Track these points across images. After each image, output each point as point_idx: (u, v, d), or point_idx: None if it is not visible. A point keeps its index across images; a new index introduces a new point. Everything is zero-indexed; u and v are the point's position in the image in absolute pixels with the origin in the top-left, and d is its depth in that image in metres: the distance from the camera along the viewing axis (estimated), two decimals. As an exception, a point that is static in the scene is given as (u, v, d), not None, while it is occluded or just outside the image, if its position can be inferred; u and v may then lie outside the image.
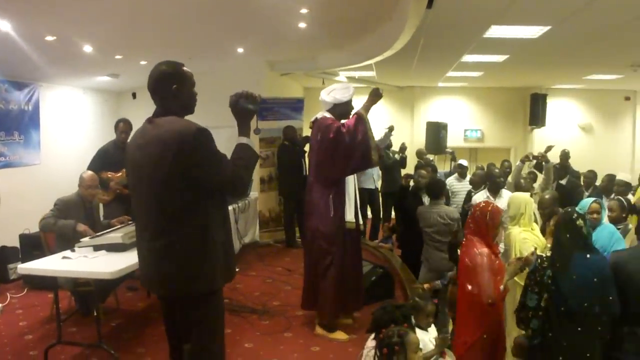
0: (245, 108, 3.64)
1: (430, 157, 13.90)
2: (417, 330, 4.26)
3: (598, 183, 9.86)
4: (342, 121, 6.28)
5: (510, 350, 4.86)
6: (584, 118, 17.55)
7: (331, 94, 6.37)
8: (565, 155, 11.46)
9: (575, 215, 4.36)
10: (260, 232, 11.23)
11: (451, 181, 10.35)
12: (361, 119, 6.23)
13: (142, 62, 9.18)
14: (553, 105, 16.70)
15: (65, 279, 5.82)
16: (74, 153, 10.30)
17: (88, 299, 6.32)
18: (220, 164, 3.49)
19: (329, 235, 6.31)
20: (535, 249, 4.57)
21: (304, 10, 7.42)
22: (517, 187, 7.89)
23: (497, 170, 8.87)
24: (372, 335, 4.16)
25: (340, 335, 6.38)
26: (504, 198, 7.47)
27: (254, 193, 10.48)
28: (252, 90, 3.67)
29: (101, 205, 7.56)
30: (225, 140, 3.57)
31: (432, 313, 4.72)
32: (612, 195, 8.08)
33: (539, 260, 4.42)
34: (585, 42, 8.97)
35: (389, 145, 11.91)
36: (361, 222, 7.09)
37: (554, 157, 10.14)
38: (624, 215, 6.40)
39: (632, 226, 6.23)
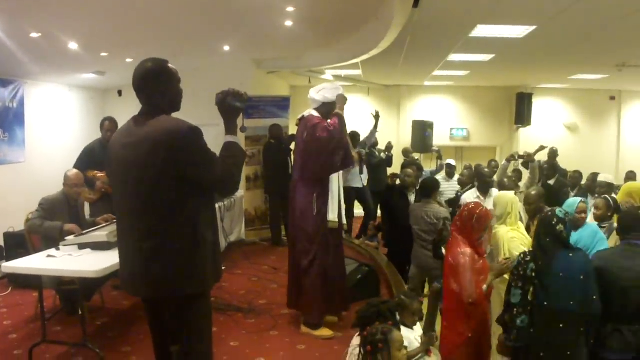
0: (232, 106, 3.62)
1: (416, 155, 13.92)
2: (403, 328, 4.27)
3: (584, 182, 9.91)
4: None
5: (495, 348, 4.88)
6: (570, 117, 17.62)
7: (321, 92, 6.40)
8: (553, 154, 11.48)
9: (555, 220, 4.39)
10: (246, 231, 11.22)
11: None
12: (343, 119, 6.31)
13: (128, 60, 9.14)
14: (539, 104, 16.74)
15: (50, 277, 5.79)
16: (59, 151, 10.25)
17: (73, 298, 6.28)
18: (212, 162, 3.47)
19: (311, 233, 6.34)
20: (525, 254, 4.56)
21: (290, 9, 7.41)
22: (500, 187, 7.93)
23: (486, 170, 8.91)
24: (357, 333, 4.16)
25: (325, 331, 6.39)
26: (493, 197, 7.50)
27: (239, 191, 10.45)
28: (239, 89, 3.66)
29: (87, 204, 7.53)
30: (213, 138, 3.55)
31: (418, 311, 4.73)
32: (596, 195, 8.12)
33: (522, 255, 4.44)
34: (571, 42, 9.01)
35: (375, 144, 11.94)
36: (344, 221, 7.10)
37: (542, 156, 10.18)
38: (609, 214, 6.42)
39: (616, 225, 6.24)
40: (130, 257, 3.56)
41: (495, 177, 9.06)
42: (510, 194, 6.23)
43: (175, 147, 3.32)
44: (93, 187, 7.44)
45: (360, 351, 3.80)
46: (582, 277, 4.18)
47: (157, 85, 3.49)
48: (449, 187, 10.24)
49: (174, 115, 3.57)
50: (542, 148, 9.61)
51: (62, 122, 11.11)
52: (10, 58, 7.86)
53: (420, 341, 4.42)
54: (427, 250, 7.14)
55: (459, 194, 9.09)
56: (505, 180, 8.22)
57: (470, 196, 8.18)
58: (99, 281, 6.01)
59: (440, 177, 10.60)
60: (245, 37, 9.33)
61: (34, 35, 7.21)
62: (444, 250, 5.71)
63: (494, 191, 7.93)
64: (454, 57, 10.88)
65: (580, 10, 6.78)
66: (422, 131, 14.47)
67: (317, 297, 6.38)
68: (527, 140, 15.92)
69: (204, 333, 3.71)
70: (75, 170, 6.82)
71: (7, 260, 6.70)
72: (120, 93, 11.97)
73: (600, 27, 7.77)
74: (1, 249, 8.49)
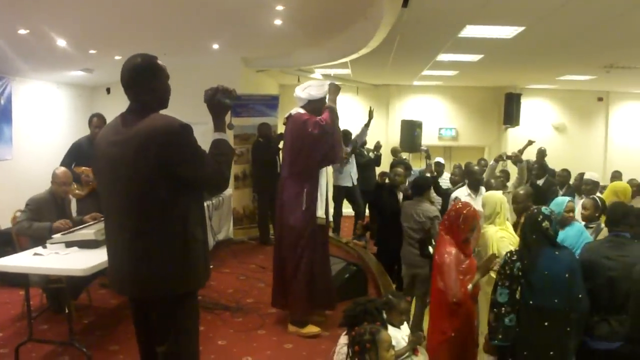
0: (222, 103, 3.60)
1: (405, 155, 13.94)
2: (390, 327, 4.26)
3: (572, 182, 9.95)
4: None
5: (482, 347, 4.90)
6: (558, 118, 17.70)
7: (306, 90, 6.41)
8: (541, 154, 11.51)
9: (541, 217, 4.42)
10: (234, 229, 11.19)
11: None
12: (335, 113, 6.32)
13: (117, 57, 9.09)
14: (527, 104, 16.81)
15: (37, 275, 5.75)
16: (47, 148, 10.20)
17: (60, 296, 6.24)
18: (203, 160, 3.45)
19: (299, 229, 6.35)
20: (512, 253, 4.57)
21: (279, 8, 7.41)
22: (487, 187, 7.94)
23: (476, 168, 8.94)
24: (345, 332, 4.16)
25: (312, 329, 6.40)
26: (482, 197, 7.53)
27: (228, 190, 10.43)
28: (227, 86, 3.65)
29: (74, 202, 7.49)
30: (201, 135, 3.53)
31: (405, 311, 4.74)
32: (580, 194, 8.17)
33: (508, 255, 4.46)
34: (559, 43, 9.05)
35: (364, 143, 11.95)
36: (331, 219, 7.11)
37: (530, 156, 10.21)
38: (597, 214, 6.45)
39: (604, 226, 6.27)
40: (119, 256, 3.52)
41: (483, 176, 9.09)
42: (498, 194, 6.25)
43: (166, 144, 3.29)
44: (80, 183, 7.41)
45: (347, 350, 3.80)
46: (567, 275, 4.22)
47: (146, 81, 3.45)
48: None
49: (162, 112, 3.53)
50: (530, 143, 9.64)
51: (50, 120, 11.07)
52: (-2, 55, 7.83)
53: (407, 340, 4.42)
54: (414, 249, 7.17)
55: (450, 191, 9.11)
56: (493, 180, 8.24)
57: (461, 193, 8.21)
58: (86, 279, 5.97)
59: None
60: (234, 35, 9.33)
61: (22, 31, 7.18)
62: (431, 249, 5.72)
63: (484, 190, 7.96)
64: (443, 57, 10.90)
65: (568, 12, 6.81)
66: (410, 131, 14.48)
67: (303, 294, 6.39)
68: (516, 140, 15.94)
69: (192, 332, 3.69)
70: (64, 169, 6.78)
71: (-6, 258, 6.66)
72: (108, 90, 11.91)
73: (588, 28, 7.80)
74: (-13, 247, 8.43)
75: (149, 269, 3.40)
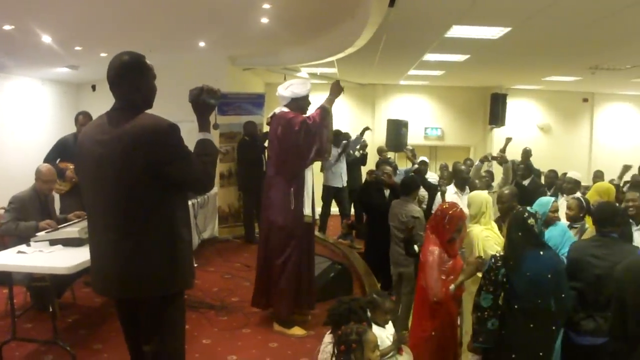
0: (207, 102, 3.59)
1: (390, 154, 13.96)
2: (375, 326, 4.27)
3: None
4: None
5: (466, 346, 4.92)
6: (543, 118, 17.78)
7: (289, 88, 6.40)
8: (526, 154, 11.55)
9: (527, 214, 4.45)
10: (219, 228, 11.19)
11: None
12: (327, 112, 6.33)
13: (102, 54, 9.07)
14: (513, 105, 16.87)
15: (21, 274, 5.70)
16: (32, 145, 10.13)
17: (44, 295, 6.20)
18: (190, 160, 3.43)
19: (289, 228, 6.34)
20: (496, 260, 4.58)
21: (266, 6, 7.40)
22: (471, 187, 7.98)
23: (463, 167, 8.98)
24: (329, 331, 4.17)
25: (298, 330, 6.40)
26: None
27: (213, 188, 10.41)
28: (213, 85, 3.63)
29: (57, 199, 7.46)
30: (187, 133, 3.52)
31: (390, 310, 4.75)
32: (562, 193, 8.22)
33: (493, 260, 4.47)
34: (545, 44, 9.08)
35: (365, 145, 11.99)
36: (317, 217, 7.11)
37: (515, 156, 10.25)
38: (581, 215, 6.49)
39: (588, 226, 6.31)
40: (104, 257, 3.48)
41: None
42: (484, 194, 6.28)
43: (155, 144, 3.28)
44: (63, 178, 7.38)
45: (333, 349, 3.80)
46: (549, 275, 4.24)
47: (132, 79, 3.42)
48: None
49: (147, 112, 3.50)
50: (508, 140, 9.73)
51: (34, 116, 11.00)
52: (-18, 51, 7.79)
53: (392, 339, 4.43)
54: (400, 248, 7.18)
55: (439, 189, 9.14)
56: (477, 181, 8.28)
57: (448, 192, 8.24)
58: (70, 278, 5.94)
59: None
60: (220, 33, 9.31)
61: (7, 27, 7.13)
62: (416, 248, 5.74)
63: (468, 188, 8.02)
64: (429, 56, 10.92)
65: (554, 13, 6.83)
66: (396, 130, 14.51)
67: (288, 293, 6.39)
68: (501, 140, 15.92)
69: (178, 331, 3.68)
70: (48, 166, 6.76)
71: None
72: (94, 88, 11.86)
73: (574, 30, 7.83)
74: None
75: (137, 269, 3.37)
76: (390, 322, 4.71)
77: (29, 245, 5.66)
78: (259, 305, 6.71)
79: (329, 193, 11.60)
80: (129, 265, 3.38)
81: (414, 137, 15.96)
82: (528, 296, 4.25)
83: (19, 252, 5.48)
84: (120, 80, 3.42)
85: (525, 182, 9.79)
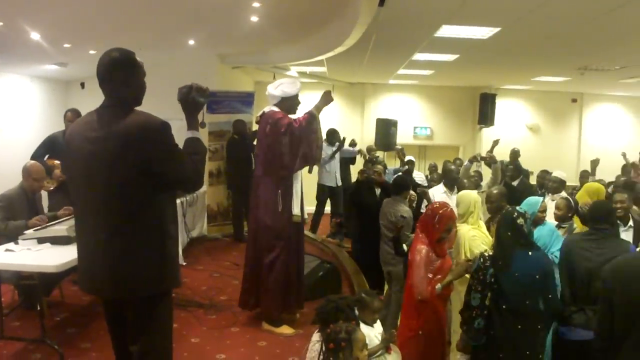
0: (196, 101, 3.58)
1: (379, 153, 13.98)
2: (363, 325, 4.28)
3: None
4: (293, 116, 6.31)
5: (455, 346, 4.93)
6: (532, 118, 17.86)
7: (279, 87, 6.38)
8: (515, 154, 11.58)
9: (516, 214, 4.47)
10: (208, 226, 11.17)
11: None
12: (314, 118, 6.29)
13: (92, 52, 9.02)
14: (502, 105, 16.92)
15: (8, 272, 5.66)
16: (20, 142, 10.07)
17: (32, 293, 6.16)
18: (182, 159, 3.44)
19: (277, 229, 6.33)
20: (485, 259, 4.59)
21: (256, 4, 7.39)
22: (460, 187, 8.00)
23: (453, 167, 9.01)
24: (317, 329, 4.17)
25: (286, 329, 6.40)
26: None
27: (202, 187, 10.38)
28: (202, 83, 3.62)
29: (45, 196, 7.42)
30: (176, 130, 3.50)
31: (379, 309, 4.75)
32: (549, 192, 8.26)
33: (481, 260, 4.48)
34: (534, 44, 9.11)
35: (354, 144, 11.99)
36: (306, 216, 7.11)
37: (503, 156, 10.28)
38: (570, 214, 6.51)
39: (576, 226, 6.34)
40: (93, 256, 3.45)
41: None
42: (473, 193, 6.30)
43: (148, 142, 3.27)
44: (51, 176, 7.35)
45: (321, 347, 3.80)
46: (538, 276, 4.26)
47: (122, 76, 3.40)
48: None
49: (137, 109, 3.49)
50: (496, 142, 9.83)
51: (23, 114, 10.95)
52: (-30, 48, 7.75)
53: (380, 339, 4.44)
54: (388, 247, 7.21)
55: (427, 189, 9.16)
56: (465, 181, 8.30)
57: (438, 191, 8.26)
58: (59, 276, 5.91)
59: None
60: (210, 31, 9.29)
61: (-5, 25, 7.11)
62: (405, 247, 5.75)
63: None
64: (418, 56, 10.94)
65: (543, 14, 6.87)
66: (386, 129, 14.51)
67: (277, 293, 6.38)
68: (490, 140, 15.97)
69: (166, 330, 3.67)
70: (37, 164, 6.71)
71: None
72: (83, 85, 11.82)
73: (563, 31, 7.86)
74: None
75: (127, 269, 3.36)
76: (378, 321, 4.71)
77: (17, 243, 5.63)
78: (246, 306, 6.68)
79: (324, 192, 11.62)
80: (119, 265, 3.36)
81: (403, 137, 15.97)
82: (516, 297, 4.27)
83: (7, 250, 5.44)
84: (110, 77, 3.40)
85: (514, 183, 9.83)
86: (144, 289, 3.43)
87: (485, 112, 16.44)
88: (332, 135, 11.72)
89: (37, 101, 11.44)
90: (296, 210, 6.42)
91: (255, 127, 8.51)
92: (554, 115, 17.94)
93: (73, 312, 6.79)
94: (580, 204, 6.57)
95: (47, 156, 7.50)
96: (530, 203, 5.80)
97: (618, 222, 5.60)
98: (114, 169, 3.28)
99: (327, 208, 12.21)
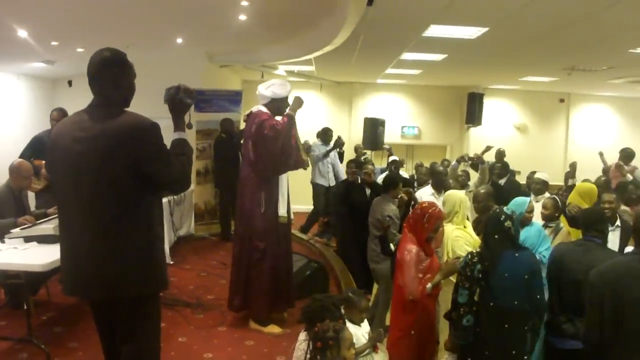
0: (184, 102, 3.59)
1: (366, 152, 13.99)
2: (350, 324, 4.29)
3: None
4: (276, 118, 6.31)
5: (443, 345, 4.94)
6: (519, 118, 17.90)
7: (270, 88, 6.39)
8: (500, 154, 11.63)
9: (504, 216, 4.45)
10: (195, 225, 11.16)
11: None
12: (293, 120, 6.34)
13: (79, 50, 9.01)
14: (489, 104, 16.92)
15: (-5, 271, 5.66)
16: (6, 140, 10.05)
17: (18, 292, 6.14)
18: (170, 160, 3.43)
19: (262, 230, 6.35)
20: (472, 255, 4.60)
21: (244, 3, 7.37)
22: (446, 187, 8.01)
23: (441, 168, 9.02)
24: (304, 328, 4.17)
25: (274, 328, 6.42)
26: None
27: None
28: (190, 82, 3.63)
29: (31, 196, 7.39)
30: (164, 129, 3.50)
31: (366, 308, 4.76)
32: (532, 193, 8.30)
33: (469, 256, 4.49)
34: (522, 44, 9.13)
35: (342, 144, 11.98)
36: (292, 216, 7.12)
37: (489, 156, 10.31)
38: (556, 214, 6.53)
39: (563, 226, 6.36)
40: (81, 258, 3.41)
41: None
42: (460, 193, 6.31)
43: (139, 142, 3.27)
44: (38, 176, 7.31)
45: (308, 345, 3.80)
46: (526, 276, 4.26)
47: (113, 75, 3.40)
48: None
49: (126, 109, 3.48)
50: (488, 148, 9.87)
51: (9, 112, 10.89)
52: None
53: (367, 338, 4.45)
54: (373, 244, 7.27)
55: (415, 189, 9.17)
56: (451, 181, 8.33)
57: (425, 192, 8.28)
58: (45, 275, 5.88)
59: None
60: (198, 30, 9.27)
61: (-19, 22, 7.07)
62: (392, 247, 5.76)
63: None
64: (407, 55, 10.95)
65: (531, 14, 6.88)
66: (373, 128, 14.52)
67: (265, 293, 6.39)
68: (477, 139, 16.07)
69: (155, 330, 3.66)
70: (25, 162, 6.69)
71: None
72: (70, 83, 11.77)
73: (550, 31, 7.88)
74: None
75: (115, 270, 3.34)
76: (365, 321, 4.72)
77: (3, 242, 5.61)
78: (231, 307, 6.67)
79: (319, 192, 11.60)
80: (106, 266, 3.34)
81: (390, 136, 15.98)
82: (504, 295, 4.26)
83: (-7, 248, 5.42)
84: (100, 76, 3.39)
85: (502, 181, 9.86)
86: (131, 290, 3.41)
87: (472, 111, 16.44)
88: (326, 133, 11.74)
89: (23, 99, 11.39)
90: (282, 211, 6.44)
91: (243, 125, 8.51)
92: (542, 115, 17.98)
93: (60, 311, 6.77)
94: (568, 206, 6.58)
95: (33, 158, 7.45)
96: (518, 203, 5.80)
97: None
98: (103, 168, 3.27)
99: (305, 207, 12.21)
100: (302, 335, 4.14)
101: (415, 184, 9.81)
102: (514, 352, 4.30)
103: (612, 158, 10.93)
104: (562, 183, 11.43)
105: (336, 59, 11.48)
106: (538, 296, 4.32)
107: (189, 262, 9.20)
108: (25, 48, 8.77)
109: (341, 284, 7.88)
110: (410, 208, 7.48)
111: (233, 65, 13.54)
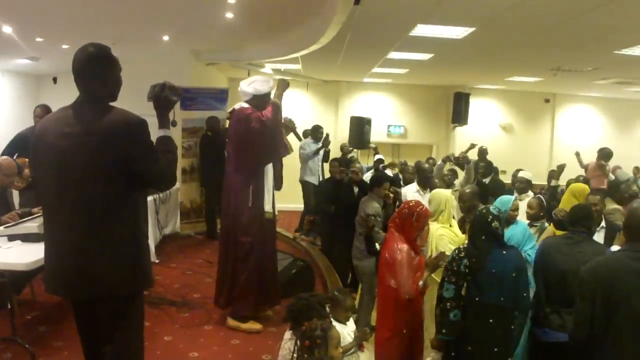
0: (169, 99, 3.57)
1: (353, 151, 13.99)
2: (336, 323, 4.28)
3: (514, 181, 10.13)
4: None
5: (429, 343, 4.93)
6: (505, 118, 17.99)
7: (252, 85, 6.38)
8: (483, 153, 11.67)
9: (490, 217, 4.47)
10: (181, 224, 11.11)
11: (369, 176, 10.42)
12: (279, 108, 6.31)
13: (64, 46, 8.97)
14: (475, 104, 16.98)
15: (-23, 269, 5.61)
16: (-11, 137, 9.99)
17: (1, 291, 6.08)
18: (157, 157, 3.41)
19: (247, 226, 6.32)
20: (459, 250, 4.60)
21: (231, 1, 7.36)
22: (432, 187, 8.04)
23: (426, 166, 9.04)
24: (289, 327, 4.17)
25: (253, 325, 6.40)
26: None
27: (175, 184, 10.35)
28: (176, 80, 3.61)
29: (16, 193, 7.34)
30: (150, 126, 3.48)
31: (351, 307, 4.76)
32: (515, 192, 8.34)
33: (456, 251, 4.50)
34: (508, 45, 9.17)
35: (328, 142, 11.97)
36: (276, 212, 7.12)
37: (472, 154, 10.35)
38: (541, 214, 6.57)
39: (547, 225, 6.40)
40: (64, 256, 3.36)
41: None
42: (446, 192, 6.34)
43: (128, 139, 3.25)
44: (21, 174, 7.26)
45: (295, 345, 3.79)
46: (514, 274, 4.29)
47: (98, 71, 3.36)
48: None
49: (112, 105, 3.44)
50: (472, 146, 9.98)
51: (-8, 108, 10.84)
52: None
53: (353, 336, 4.45)
54: (358, 242, 7.31)
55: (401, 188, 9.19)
56: (437, 181, 8.35)
57: (411, 190, 8.30)
58: (30, 274, 5.83)
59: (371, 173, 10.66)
60: (184, 27, 9.25)
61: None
62: (377, 246, 5.75)
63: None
64: (393, 55, 10.96)
65: (517, 15, 6.92)
66: (360, 127, 14.51)
67: (250, 290, 6.36)
68: (463, 139, 16.11)
69: (138, 329, 3.63)
70: (8, 158, 6.64)
71: None
72: (55, 80, 11.72)
73: (536, 32, 7.92)
74: None
75: (101, 268, 3.31)
76: (351, 319, 4.72)
77: (-14, 240, 5.56)
78: (218, 304, 6.65)
79: (309, 190, 11.59)
80: (92, 264, 3.30)
81: (377, 135, 15.96)
82: (492, 292, 4.28)
83: (-24, 247, 5.37)
84: (86, 72, 3.36)
85: (486, 180, 9.90)
86: (116, 288, 3.37)
87: (459, 111, 16.49)
88: (317, 131, 11.72)
89: (7, 96, 11.34)
90: (268, 207, 6.42)
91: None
92: (527, 115, 18.09)
93: (44, 310, 6.71)
94: (555, 210, 6.61)
95: (16, 155, 7.39)
96: (503, 201, 5.82)
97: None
98: (91, 165, 3.23)
99: (300, 205, 12.19)
100: (288, 334, 4.14)
101: (402, 183, 9.82)
102: (496, 349, 4.32)
103: (595, 158, 11.01)
104: (545, 183, 11.47)
105: (323, 58, 11.49)
106: (524, 294, 4.35)
107: (175, 261, 9.15)
108: (9, 44, 8.72)
109: (327, 282, 7.86)
110: (396, 207, 7.50)
111: (219, 63, 13.51)
